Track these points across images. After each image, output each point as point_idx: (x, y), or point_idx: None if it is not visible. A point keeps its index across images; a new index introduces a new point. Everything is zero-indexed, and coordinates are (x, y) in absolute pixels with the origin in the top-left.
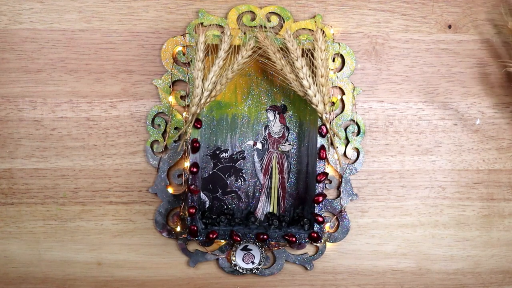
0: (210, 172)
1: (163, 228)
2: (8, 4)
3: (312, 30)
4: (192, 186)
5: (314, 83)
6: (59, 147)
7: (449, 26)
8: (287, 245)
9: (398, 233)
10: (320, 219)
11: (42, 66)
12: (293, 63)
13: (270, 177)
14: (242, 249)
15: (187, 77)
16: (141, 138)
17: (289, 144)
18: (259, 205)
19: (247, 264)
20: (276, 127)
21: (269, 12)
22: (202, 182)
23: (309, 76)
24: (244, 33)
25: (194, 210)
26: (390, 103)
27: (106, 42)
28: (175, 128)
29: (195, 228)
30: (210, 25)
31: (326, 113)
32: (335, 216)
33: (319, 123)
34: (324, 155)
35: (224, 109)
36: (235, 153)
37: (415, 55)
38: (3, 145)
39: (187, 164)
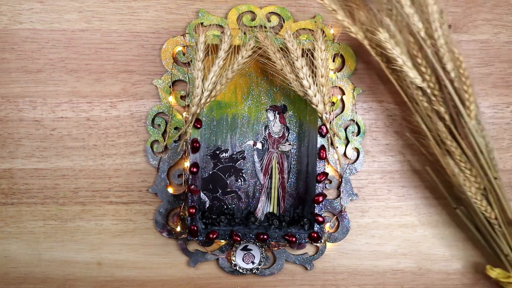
0: (210, 172)
1: (163, 228)
2: (8, 4)
3: (312, 30)
4: (192, 186)
5: (314, 83)
6: (59, 147)
7: (449, 26)
8: (287, 245)
9: (398, 233)
10: (320, 219)
11: (42, 66)
12: (293, 63)
13: (270, 177)
14: (242, 249)
15: (187, 77)
16: (141, 138)
17: (289, 144)
18: (259, 205)
19: (247, 264)
20: (276, 127)
21: (269, 12)
22: (202, 182)
23: (309, 76)
24: (244, 33)
25: (194, 210)
26: (390, 103)
27: (106, 42)
28: (175, 128)
29: (195, 228)
30: (210, 25)
31: (326, 113)
32: (335, 216)
33: (319, 123)
34: (324, 155)
35: (224, 109)
36: (235, 153)
37: None
38: (3, 145)
39: (187, 164)
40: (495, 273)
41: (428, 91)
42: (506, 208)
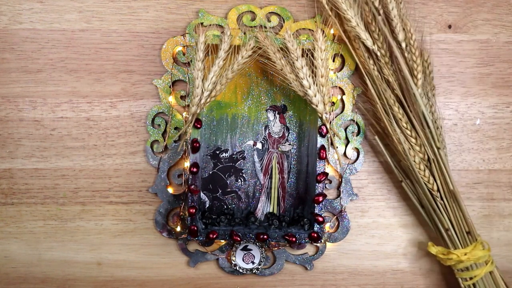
0: (210, 172)
1: (163, 228)
2: (8, 4)
3: (312, 30)
4: (192, 186)
5: (314, 83)
6: (59, 147)
7: (449, 26)
8: (287, 245)
9: (398, 233)
10: (320, 219)
11: (42, 66)
12: (293, 63)
13: (270, 177)
14: (242, 249)
15: (187, 77)
16: (141, 138)
17: (289, 144)
18: (259, 205)
19: (247, 264)
20: (276, 127)
21: (269, 12)
22: (202, 182)
23: (309, 76)
24: (244, 33)
25: (194, 210)
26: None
27: (106, 42)
28: (175, 128)
29: (195, 228)
30: (210, 25)
31: (326, 113)
32: (335, 216)
33: (319, 123)
34: (324, 155)
35: (224, 109)
36: (235, 153)
37: None
38: (3, 145)
39: (187, 164)
40: (435, 249)
41: (379, 54)
42: (448, 180)
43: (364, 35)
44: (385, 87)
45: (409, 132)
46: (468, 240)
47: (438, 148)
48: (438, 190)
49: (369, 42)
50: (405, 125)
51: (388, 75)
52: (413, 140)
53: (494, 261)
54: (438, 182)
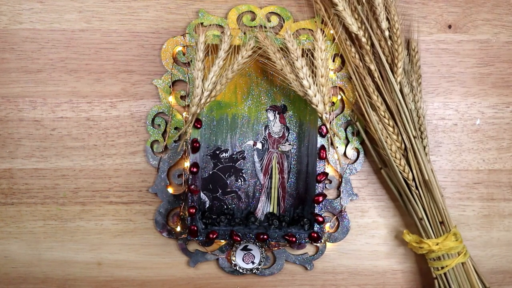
0: (210, 172)
1: (163, 228)
2: (8, 4)
3: (312, 30)
4: (192, 186)
5: (314, 83)
6: (59, 147)
7: (449, 26)
8: (287, 245)
9: (398, 233)
10: (320, 219)
11: (42, 66)
12: (293, 63)
13: (270, 177)
14: (242, 249)
15: (187, 77)
16: (141, 138)
17: (289, 144)
18: (259, 205)
19: (247, 264)
20: (276, 127)
21: (269, 12)
22: (202, 182)
23: (309, 76)
24: (244, 33)
25: (194, 210)
26: None
27: (106, 42)
28: (175, 128)
29: (195, 228)
30: (210, 25)
31: (326, 113)
32: (335, 216)
33: (319, 123)
34: (324, 155)
35: (224, 109)
36: (235, 153)
37: None
38: (3, 145)
39: (187, 164)
40: (409, 237)
41: (363, 40)
42: (423, 169)
43: (350, 20)
44: (366, 74)
45: (387, 121)
46: (441, 230)
47: (414, 137)
48: (414, 180)
49: (354, 27)
50: (383, 113)
51: (370, 63)
52: (391, 129)
53: (468, 252)
54: (414, 171)
